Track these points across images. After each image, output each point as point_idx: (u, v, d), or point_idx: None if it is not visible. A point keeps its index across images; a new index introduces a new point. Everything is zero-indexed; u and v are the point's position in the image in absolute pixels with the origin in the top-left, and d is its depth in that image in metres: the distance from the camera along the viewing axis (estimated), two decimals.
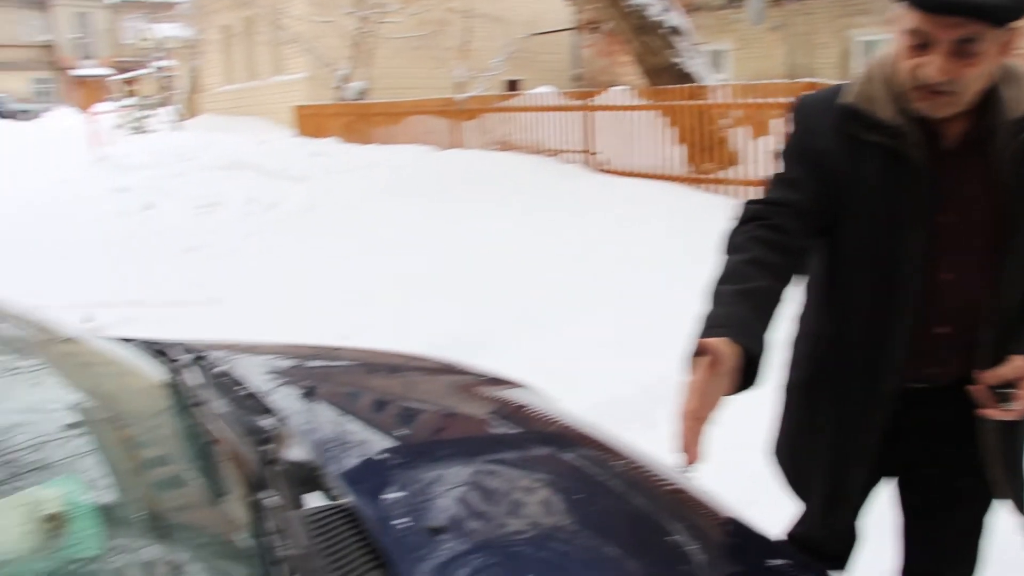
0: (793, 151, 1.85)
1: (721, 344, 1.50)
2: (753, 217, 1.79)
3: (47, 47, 48.41)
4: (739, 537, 1.71)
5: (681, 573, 1.58)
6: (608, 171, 11.22)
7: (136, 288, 6.62)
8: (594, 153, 11.73)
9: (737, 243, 1.76)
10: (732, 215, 1.86)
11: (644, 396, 4.26)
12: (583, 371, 4.49)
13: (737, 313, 1.60)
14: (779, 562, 1.59)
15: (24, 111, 39.62)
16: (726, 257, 1.75)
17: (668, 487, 1.86)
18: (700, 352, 1.52)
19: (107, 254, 7.90)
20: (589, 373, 4.45)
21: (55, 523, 1.28)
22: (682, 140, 10.69)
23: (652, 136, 10.87)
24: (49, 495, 1.34)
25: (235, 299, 6.19)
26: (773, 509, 2.14)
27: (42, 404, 1.67)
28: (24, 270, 6.74)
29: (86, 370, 1.94)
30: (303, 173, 11.19)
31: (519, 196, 9.18)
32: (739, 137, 10.17)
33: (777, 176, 1.85)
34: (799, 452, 2.08)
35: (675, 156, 10.66)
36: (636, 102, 11.44)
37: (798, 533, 2.22)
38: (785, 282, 1.73)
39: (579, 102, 12.31)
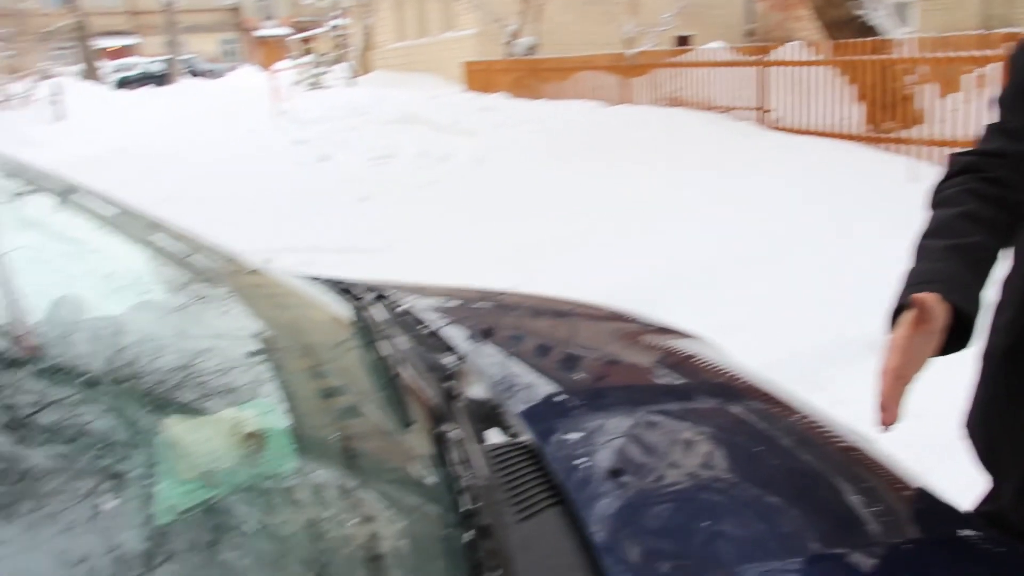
0: (1013, 98, 1.71)
1: (931, 299, 1.41)
2: (966, 169, 1.67)
3: (233, 10, 50.82)
4: (923, 504, 1.63)
5: (857, 536, 1.53)
6: (782, 129, 10.85)
7: (313, 235, 6.90)
8: (768, 110, 11.36)
9: (948, 196, 1.64)
10: (937, 170, 1.74)
11: (814, 357, 4.13)
12: (751, 329, 4.39)
13: (948, 269, 1.50)
14: (970, 533, 1.51)
15: (211, 70, 41.84)
16: (935, 211, 1.64)
17: (847, 447, 1.80)
18: (907, 307, 1.43)
19: (287, 203, 8.27)
20: (757, 331, 4.35)
21: (254, 441, 1.35)
22: (861, 97, 10.19)
23: (829, 93, 10.42)
24: (247, 415, 1.41)
25: (407, 247, 6.36)
26: (949, 483, 2.03)
27: (232, 331, 1.77)
28: (211, 217, 7.13)
29: (274, 301, 2.04)
30: (473, 127, 11.35)
31: (689, 153, 9.00)
32: (925, 94, 9.61)
33: (994, 125, 1.72)
34: (995, 425, 1.95)
35: (853, 114, 10.19)
36: (813, 57, 10.98)
37: (987, 511, 2.09)
38: (1002, 239, 1.60)
39: (753, 58, 11.92)
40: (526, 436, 1.58)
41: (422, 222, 7.23)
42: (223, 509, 1.17)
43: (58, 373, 1.38)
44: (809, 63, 10.91)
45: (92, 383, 1.37)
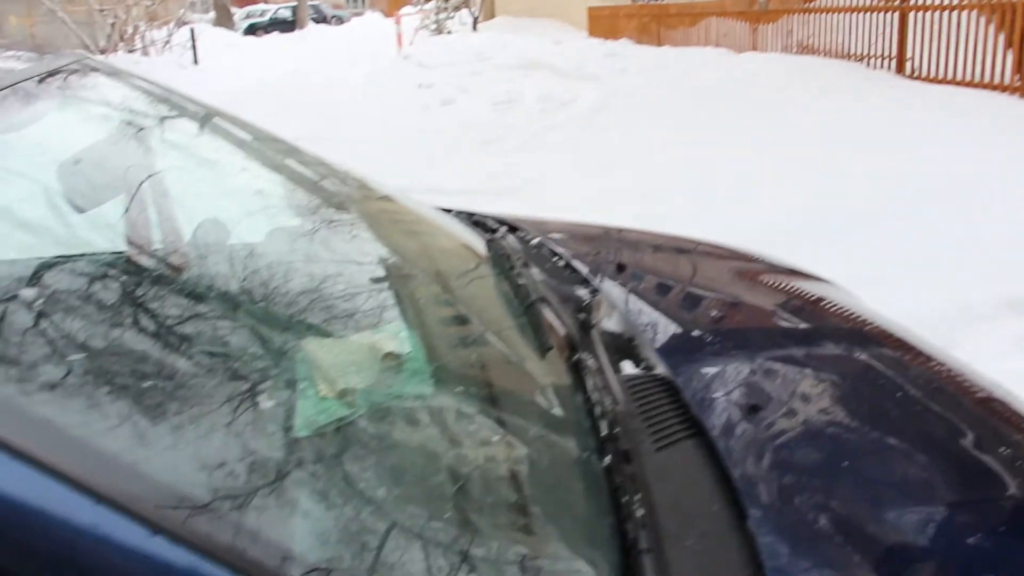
0: None
1: None
2: None
3: None
4: None
5: (992, 487, 1.48)
6: (921, 79, 10.35)
7: (436, 177, 6.97)
8: (906, 59, 10.83)
9: None
10: None
11: (949, 314, 3.96)
12: (886, 281, 4.23)
13: None
14: None
15: (337, 17, 42.44)
16: None
17: (987, 398, 1.74)
18: None
19: (411, 145, 8.36)
20: (892, 284, 4.19)
21: (392, 362, 1.38)
22: (1010, 45, 9.59)
23: (973, 40, 9.85)
24: (385, 337, 1.44)
25: (529, 191, 6.36)
26: None
27: (372, 256, 1.80)
28: (340, 158, 7.24)
29: (414, 229, 2.06)
30: (595, 73, 11.21)
31: (821, 101, 8.68)
32: None
33: None
34: None
35: (1001, 63, 9.61)
36: (959, 2, 10.38)
37: None
38: None
39: (892, 2, 11.35)
40: (660, 369, 1.57)
41: (544, 166, 7.21)
42: (360, 427, 1.21)
43: (205, 292, 1.44)
44: (955, 7, 10.33)
45: (237, 303, 1.42)
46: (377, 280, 1.69)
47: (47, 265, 1.28)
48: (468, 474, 1.20)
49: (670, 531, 1.14)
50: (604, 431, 1.31)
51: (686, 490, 1.26)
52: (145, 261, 1.60)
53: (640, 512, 1.13)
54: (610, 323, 1.73)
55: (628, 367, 1.59)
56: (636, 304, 1.93)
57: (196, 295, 1.41)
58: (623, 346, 1.66)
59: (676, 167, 6.67)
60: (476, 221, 2.28)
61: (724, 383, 1.63)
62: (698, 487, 1.28)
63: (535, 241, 2.12)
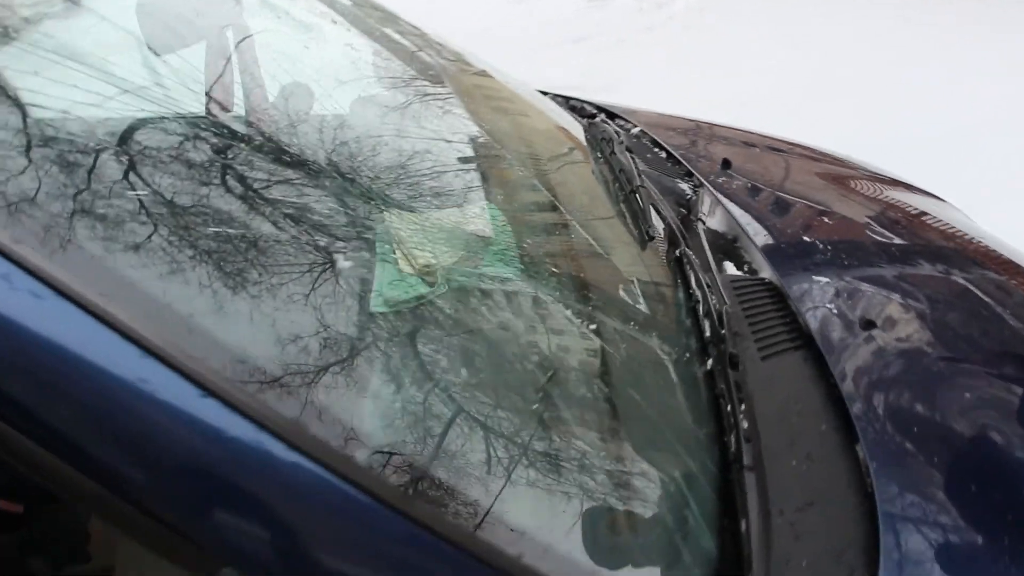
0: None
1: None
2: None
3: None
4: None
5: None
6: None
7: (525, 71, 6.74)
8: None
9: None
10: None
11: None
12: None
13: None
14: None
15: None
16: None
17: None
18: None
19: (499, 38, 8.10)
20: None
21: (478, 241, 1.27)
22: None
23: None
24: (477, 215, 1.34)
25: (623, 90, 6.12)
26: None
27: (465, 134, 1.68)
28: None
29: (510, 107, 1.93)
30: None
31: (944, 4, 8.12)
32: None
33: None
34: None
35: None
36: None
37: None
38: None
39: None
40: (767, 273, 1.44)
41: (639, 67, 6.93)
42: (438, 307, 1.11)
43: (285, 157, 1.33)
44: None
45: (318, 172, 1.32)
46: (467, 158, 1.57)
47: (120, 122, 1.19)
48: (549, 368, 1.10)
49: (773, 449, 1.03)
50: (708, 332, 1.19)
51: (792, 405, 1.15)
52: (223, 119, 1.50)
53: (744, 424, 1.02)
54: (714, 221, 1.60)
55: (731, 268, 1.47)
56: (744, 202, 1.79)
57: (275, 159, 1.32)
58: (726, 246, 1.53)
59: (781, 74, 6.34)
60: (574, 106, 2.14)
61: (832, 295, 1.49)
62: (805, 403, 1.16)
63: (636, 130, 1.97)
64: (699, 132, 2.33)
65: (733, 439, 1.01)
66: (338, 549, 0.74)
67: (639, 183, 1.46)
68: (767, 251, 1.56)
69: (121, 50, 1.42)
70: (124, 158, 0.99)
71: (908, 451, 1.12)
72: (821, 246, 1.62)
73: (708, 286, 1.27)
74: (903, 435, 1.15)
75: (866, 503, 1.01)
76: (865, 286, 1.53)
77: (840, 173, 2.25)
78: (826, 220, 1.91)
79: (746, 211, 1.75)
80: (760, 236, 1.63)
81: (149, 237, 0.87)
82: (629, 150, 1.60)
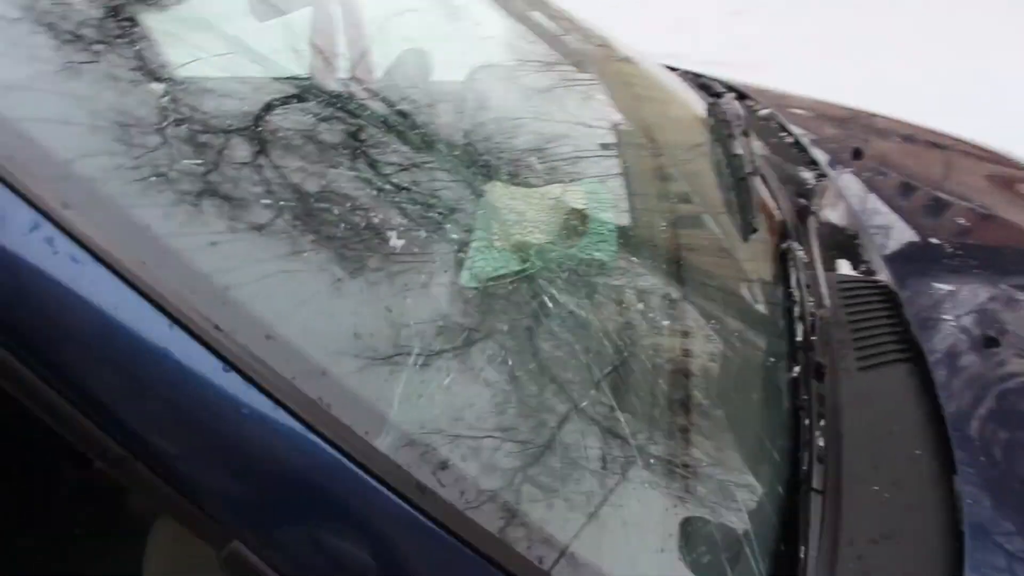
0: None
1: None
2: None
3: None
4: None
5: None
6: None
7: (677, 42, 6.56)
8: None
9: None
10: None
11: None
12: None
13: None
14: None
15: None
16: None
17: None
18: None
19: (650, 8, 7.91)
20: None
21: (576, 219, 1.22)
22: None
23: None
24: (576, 194, 1.28)
25: (780, 67, 5.86)
26: None
27: (562, 107, 1.62)
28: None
29: (633, 91, 1.85)
30: None
31: None
32: None
33: None
34: None
35: None
36: None
37: None
38: None
39: None
40: (883, 276, 1.33)
41: (798, 40, 6.63)
42: (529, 286, 1.06)
43: (392, 122, 1.31)
44: None
45: (424, 138, 1.28)
46: (573, 133, 1.51)
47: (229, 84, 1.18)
48: (629, 354, 1.04)
49: (854, 470, 0.94)
50: (799, 336, 1.10)
51: (886, 423, 1.05)
52: (332, 84, 1.49)
53: (820, 442, 0.93)
54: (834, 214, 1.49)
55: (845, 267, 1.36)
56: (871, 198, 1.66)
57: (384, 125, 1.29)
58: (844, 243, 1.42)
59: (942, 57, 5.94)
60: (703, 83, 2.04)
61: (956, 305, 1.36)
62: (902, 422, 1.06)
63: (764, 112, 1.86)
64: (854, 121, 2.17)
65: (806, 457, 0.92)
66: (346, 533, 0.72)
67: (750, 170, 1.36)
68: (890, 253, 1.44)
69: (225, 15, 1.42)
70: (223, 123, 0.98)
71: (1012, 493, 1.01)
72: (951, 250, 1.48)
73: (807, 286, 1.17)
74: (1009, 475, 1.03)
75: (953, 544, 0.91)
76: (997, 301, 1.39)
77: (1003, 174, 2.06)
78: (971, 222, 1.75)
79: (877, 208, 1.62)
80: (886, 236, 1.51)
81: (245, 204, 0.86)
82: (746, 133, 1.50)
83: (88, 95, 0.88)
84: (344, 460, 0.71)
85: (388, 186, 0.99)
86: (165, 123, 0.88)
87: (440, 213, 1.02)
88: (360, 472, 0.71)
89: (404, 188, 1.08)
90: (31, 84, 0.86)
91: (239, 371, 0.72)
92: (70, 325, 0.72)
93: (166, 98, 0.91)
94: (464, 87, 1.55)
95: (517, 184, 1.29)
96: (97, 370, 0.72)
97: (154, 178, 0.82)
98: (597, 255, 1.20)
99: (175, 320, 0.72)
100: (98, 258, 0.74)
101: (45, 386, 0.71)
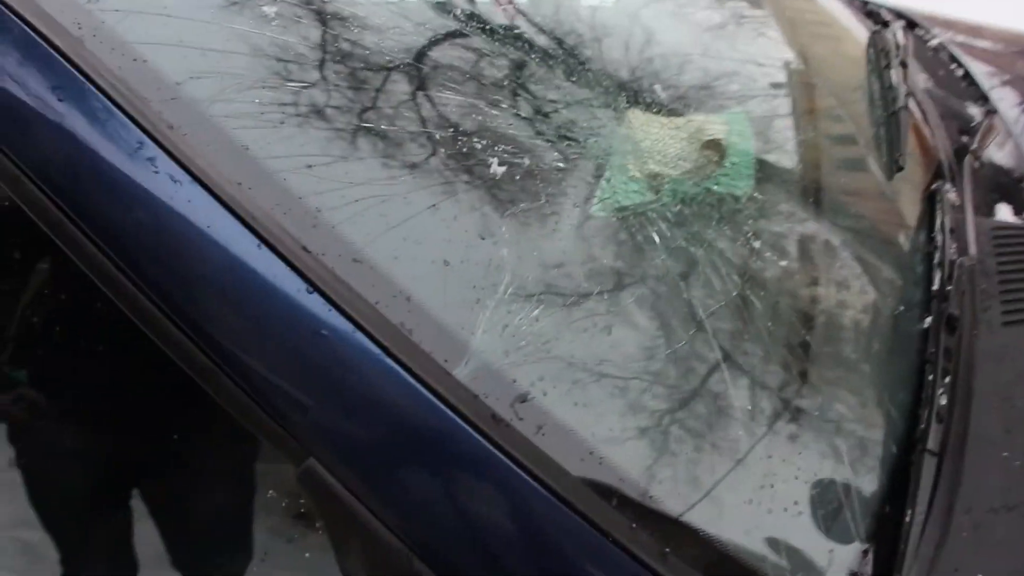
0: None
1: None
2: None
3: None
4: None
5: None
6: None
7: None
8: None
9: None
10: None
11: None
12: None
13: None
14: None
15: None
16: None
17: None
18: None
19: None
20: None
21: (713, 150, 1.16)
22: None
23: None
24: (715, 124, 1.22)
25: None
26: None
27: (709, 32, 1.53)
28: None
29: (788, 18, 1.74)
30: None
31: None
32: None
33: None
34: None
35: None
36: None
37: None
38: None
39: None
40: None
41: None
42: (658, 218, 1.02)
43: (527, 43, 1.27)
44: None
45: (561, 60, 1.24)
46: (719, 59, 1.44)
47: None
48: (754, 295, 0.98)
49: (983, 432, 0.87)
50: (935, 285, 1.02)
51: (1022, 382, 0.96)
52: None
53: (943, 400, 0.86)
54: (999, 154, 1.36)
55: (1005, 212, 1.24)
56: None
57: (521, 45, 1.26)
58: (1008, 186, 1.30)
59: None
60: (870, 11, 1.89)
61: None
62: None
63: (935, 43, 1.71)
64: None
65: (925, 415, 0.86)
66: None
67: (902, 104, 1.26)
68: None
69: None
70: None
71: None
72: None
73: (951, 231, 1.08)
74: None
75: None
76: None
77: None
78: None
79: None
80: None
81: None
82: (904, 64, 1.38)
83: (198, 17, 0.90)
84: (420, 387, 0.71)
85: (493, 108, 0.97)
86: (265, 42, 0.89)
87: (549, 139, 0.99)
88: (436, 400, 0.71)
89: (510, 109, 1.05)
90: (145, 7, 0.88)
91: (322, 293, 0.72)
92: (167, 242, 0.75)
93: (272, 10, 0.91)
94: (612, 9, 1.49)
95: (656, 110, 1.24)
96: (189, 284, 0.74)
97: (255, 101, 0.83)
98: (732, 188, 1.15)
99: (264, 240, 0.74)
100: (195, 178, 0.76)
101: (142, 297, 0.74)
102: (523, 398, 0.73)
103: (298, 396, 0.72)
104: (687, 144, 1.16)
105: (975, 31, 1.93)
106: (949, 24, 1.91)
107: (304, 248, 0.74)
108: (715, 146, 1.18)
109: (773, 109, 1.36)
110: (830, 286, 1.05)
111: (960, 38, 1.83)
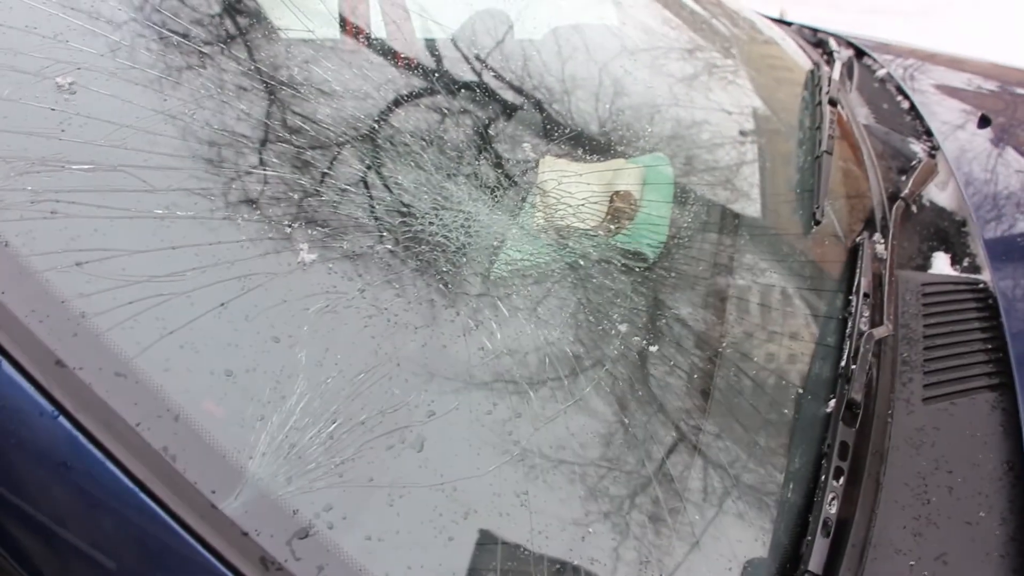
0: None
1: None
2: None
3: None
4: None
5: None
6: None
7: None
8: None
9: None
10: None
11: None
12: None
13: None
14: None
15: None
16: None
17: None
18: None
19: None
20: None
21: (623, 204, 1.06)
22: None
23: None
24: (625, 172, 1.12)
25: (947, 13, 5.27)
26: None
27: (633, 74, 1.42)
28: None
29: (711, 29, 1.63)
30: None
31: None
32: None
33: None
34: None
35: None
36: None
37: None
38: None
39: None
40: (986, 276, 1.08)
41: None
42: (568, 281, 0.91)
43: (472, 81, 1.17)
44: None
45: (479, 99, 1.14)
46: (638, 104, 1.33)
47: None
48: (651, 353, 0.87)
49: (885, 540, 0.75)
50: (844, 360, 0.90)
51: (946, 474, 0.83)
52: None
53: (831, 507, 0.74)
54: (941, 195, 1.24)
55: (942, 263, 1.12)
56: (994, 177, 1.37)
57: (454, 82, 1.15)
58: (947, 231, 1.18)
59: None
60: (820, 40, 1.79)
61: None
62: (969, 473, 0.84)
63: (882, 73, 1.60)
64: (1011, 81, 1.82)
65: (812, 519, 0.74)
66: None
67: (826, 147, 1.14)
68: (998, 246, 1.17)
69: None
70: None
71: None
72: None
73: (866, 295, 0.96)
74: None
75: None
76: None
77: None
78: None
79: (996, 189, 1.33)
80: (1008, 224, 1.24)
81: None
82: (833, 103, 1.27)
83: None
84: (176, 526, 0.59)
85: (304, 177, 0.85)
86: None
87: (379, 215, 0.87)
88: (193, 541, 0.59)
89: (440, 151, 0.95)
90: None
91: (70, 416, 0.62)
92: None
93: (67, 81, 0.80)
94: (540, 45, 1.40)
95: (565, 152, 1.13)
96: None
97: (27, 188, 0.73)
98: (639, 247, 1.04)
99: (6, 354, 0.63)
100: None
101: None
102: (303, 533, 0.62)
103: (38, 541, 0.62)
104: (595, 193, 1.06)
105: (930, 58, 1.81)
106: (911, 51, 1.79)
107: (58, 362, 0.64)
108: (624, 198, 1.08)
109: (696, 151, 1.25)
110: (726, 365, 0.93)
111: (925, 64, 1.71)
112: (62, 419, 0.62)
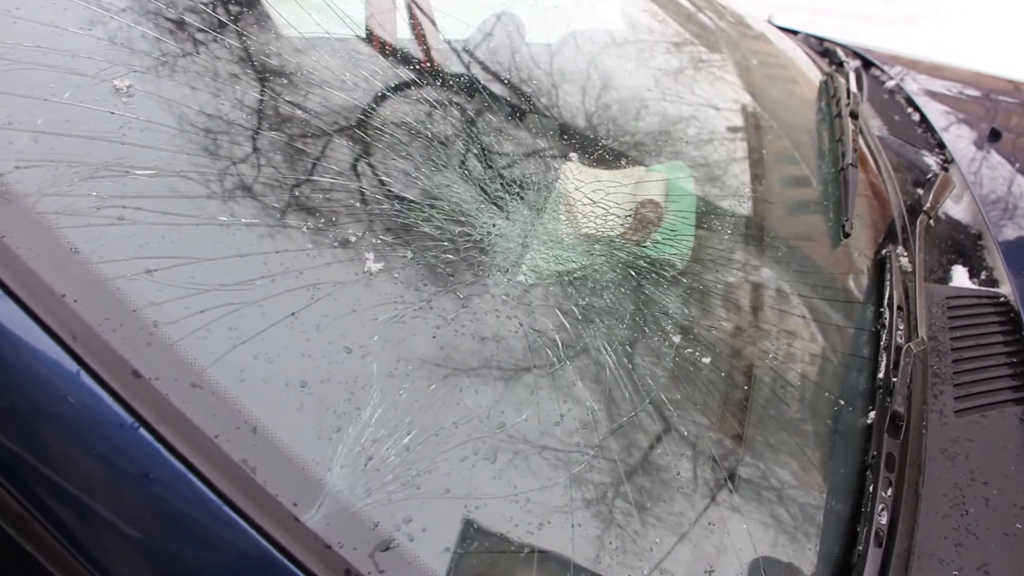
0: None
1: None
2: None
3: None
4: None
5: None
6: None
7: None
8: None
9: None
10: None
11: None
12: None
13: None
14: None
15: None
16: None
17: None
18: None
19: None
20: None
21: (651, 212, 1.07)
22: None
23: None
24: (652, 181, 1.13)
25: (936, 21, 5.35)
26: None
27: (657, 82, 1.43)
28: None
29: (730, 43, 1.65)
30: None
31: None
32: None
33: None
34: None
35: None
36: None
37: None
38: None
39: None
40: (1006, 288, 1.11)
41: None
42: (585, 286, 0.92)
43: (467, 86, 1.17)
44: None
45: (501, 104, 1.14)
46: (663, 112, 1.34)
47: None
48: (678, 364, 0.88)
49: (930, 551, 0.77)
50: (880, 372, 0.92)
51: (983, 486, 0.86)
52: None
53: (882, 519, 0.76)
54: (955, 209, 1.27)
55: (960, 276, 1.15)
56: (1010, 189, 1.41)
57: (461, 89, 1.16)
58: (964, 245, 1.20)
59: None
60: (827, 49, 1.81)
61: None
62: (1006, 484, 0.86)
63: (891, 84, 1.62)
64: (1014, 94, 1.85)
65: (863, 531, 0.76)
66: None
67: (851, 160, 1.17)
68: (1013, 258, 1.20)
69: None
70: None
71: None
72: None
73: (899, 308, 0.98)
74: None
75: None
76: None
77: None
78: None
79: (1013, 201, 1.37)
80: (1012, 236, 1.27)
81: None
82: (854, 115, 1.29)
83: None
84: (261, 539, 0.60)
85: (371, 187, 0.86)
86: None
87: (439, 225, 0.88)
88: (278, 554, 0.60)
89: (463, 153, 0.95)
90: None
91: (150, 428, 0.62)
92: None
93: (124, 84, 0.80)
94: (556, 49, 1.40)
95: (594, 160, 1.14)
96: None
97: (92, 194, 0.73)
98: (667, 255, 1.05)
99: (83, 364, 0.63)
100: (7, 291, 0.65)
101: None
102: (385, 546, 0.63)
103: (121, 553, 0.62)
104: (622, 200, 1.07)
105: (940, 71, 1.84)
106: (912, 64, 1.82)
107: (135, 372, 0.64)
108: (652, 206, 1.09)
109: (718, 158, 1.27)
110: (764, 375, 0.95)
111: (923, 79, 1.74)
112: (142, 431, 0.62)
